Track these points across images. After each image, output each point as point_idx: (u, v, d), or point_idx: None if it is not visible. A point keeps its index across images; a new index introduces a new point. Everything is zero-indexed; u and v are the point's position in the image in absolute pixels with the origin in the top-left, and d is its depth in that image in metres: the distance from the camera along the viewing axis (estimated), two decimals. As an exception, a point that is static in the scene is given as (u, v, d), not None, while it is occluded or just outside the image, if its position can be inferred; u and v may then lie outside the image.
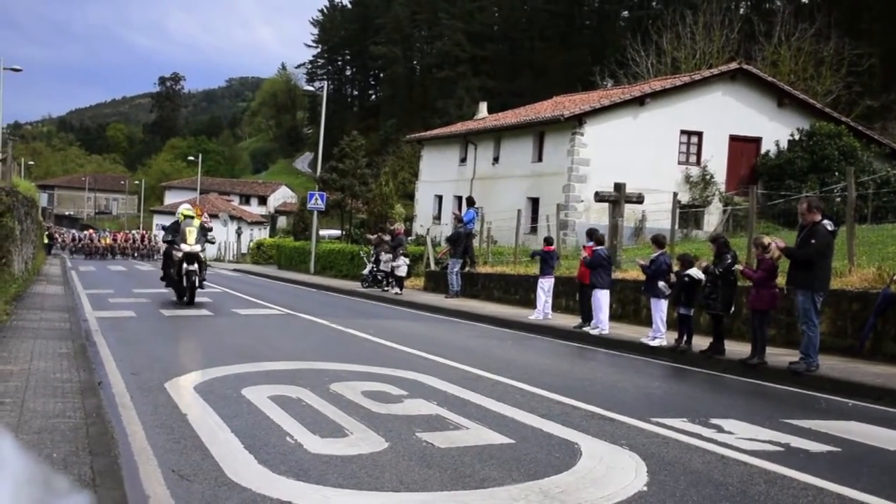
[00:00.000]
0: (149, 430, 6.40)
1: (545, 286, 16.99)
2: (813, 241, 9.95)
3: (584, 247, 16.06)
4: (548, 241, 18.10)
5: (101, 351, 10.68)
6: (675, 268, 12.77)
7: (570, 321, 15.82)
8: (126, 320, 14.92)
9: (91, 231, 64.87)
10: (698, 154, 31.08)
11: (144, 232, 63.82)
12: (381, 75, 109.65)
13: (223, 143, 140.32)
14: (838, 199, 22.14)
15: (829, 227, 10.21)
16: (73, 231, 70.19)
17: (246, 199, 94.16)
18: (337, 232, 50.07)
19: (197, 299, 18.12)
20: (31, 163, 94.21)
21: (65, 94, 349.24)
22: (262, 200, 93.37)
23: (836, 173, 27.37)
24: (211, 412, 7.08)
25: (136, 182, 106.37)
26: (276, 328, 14.61)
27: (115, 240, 60.35)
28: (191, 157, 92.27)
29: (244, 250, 58.90)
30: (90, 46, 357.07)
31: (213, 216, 42.45)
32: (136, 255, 56.94)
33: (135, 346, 11.49)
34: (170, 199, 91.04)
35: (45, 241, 48.11)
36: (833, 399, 9.14)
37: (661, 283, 12.82)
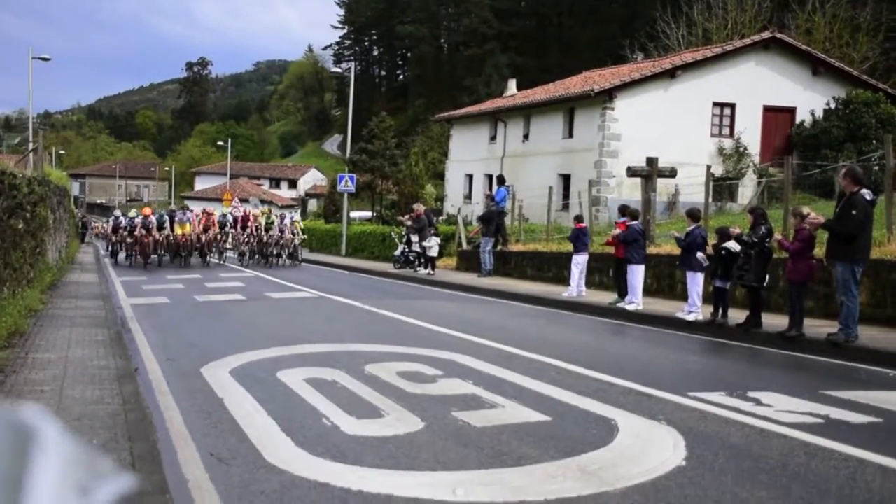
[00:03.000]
0: (186, 414, 6.46)
1: (579, 263, 16.89)
2: (854, 212, 9.75)
3: (616, 223, 15.94)
4: (578, 218, 17.97)
5: (136, 338, 10.81)
6: (712, 241, 12.61)
7: (605, 297, 15.72)
8: (160, 307, 15.09)
9: (146, 213, 28.60)
10: (731, 126, 30.62)
11: (248, 210, 32.58)
12: (409, 55, 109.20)
13: (252, 128, 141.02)
14: (876, 168, 21.69)
15: (868, 197, 10.00)
16: (113, 217, 33.34)
17: (276, 183, 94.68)
18: (368, 213, 50.17)
19: (230, 284, 19.83)
20: (62, 152, 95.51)
21: (93, 82, 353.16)
22: (293, 184, 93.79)
23: (874, 141, 26.80)
24: (247, 396, 7.13)
25: (167, 168, 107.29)
26: (310, 311, 14.68)
27: (204, 228, 28.21)
28: (220, 142, 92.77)
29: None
30: (118, 34, 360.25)
31: (244, 200, 41.42)
32: (252, 253, 29.34)
33: (170, 332, 11.61)
34: (200, 184, 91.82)
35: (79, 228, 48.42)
36: (873, 370, 8.99)
37: (699, 254, 12.67)
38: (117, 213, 32.12)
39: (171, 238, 26.93)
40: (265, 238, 28.24)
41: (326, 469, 5.08)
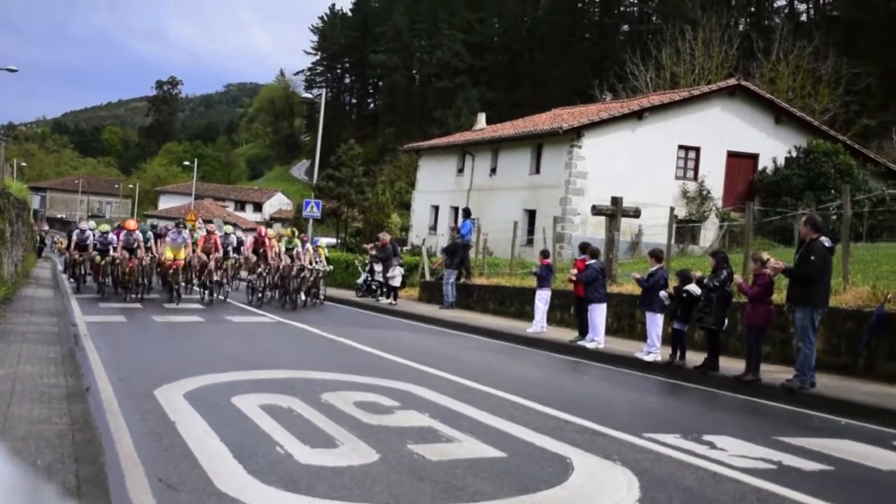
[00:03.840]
0: (136, 437, 6.32)
1: (544, 298, 16.95)
2: (813, 257, 9.93)
3: (576, 260, 16.01)
4: (545, 253, 18.07)
5: (89, 356, 10.59)
6: (673, 283, 12.73)
7: (565, 334, 15.77)
8: (116, 325, 14.84)
9: (130, 227, 22.02)
10: (696, 169, 31.11)
11: (263, 231, 24.17)
12: (380, 84, 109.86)
13: (219, 149, 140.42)
14: (834, 217, 22.13)
15: (827, 244, 10.22)
16: (77, 230, 24.89)
17: (241, 206, 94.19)
18: (332, 240, 50.03)
19: (190, 305, 18.88)
20: (24, 164, 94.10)
21: (60, 96, 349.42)
22: (258, 207, 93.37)
23: (833, 191, 27.39)
24: (200, 420, 7.01)
25: (131, 186, 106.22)
26: (268, 336, 14.52)
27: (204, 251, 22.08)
28: (186, 162, 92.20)
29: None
30: (88, 49, 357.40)
31: (208, 221, 40.41)
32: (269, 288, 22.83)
33: (124, 351, 11.41)
34: (164, 203, 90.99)
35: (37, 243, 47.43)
36: (826, 417, 9.09)
37: (661, 293, 12.77)
38: (84, 225, 23.76)
39: (157, 263, 21.03)
40: (290, 269, 21.19)
41: (278, 498, 5.00)
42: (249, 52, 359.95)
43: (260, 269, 21.91)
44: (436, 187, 39.85)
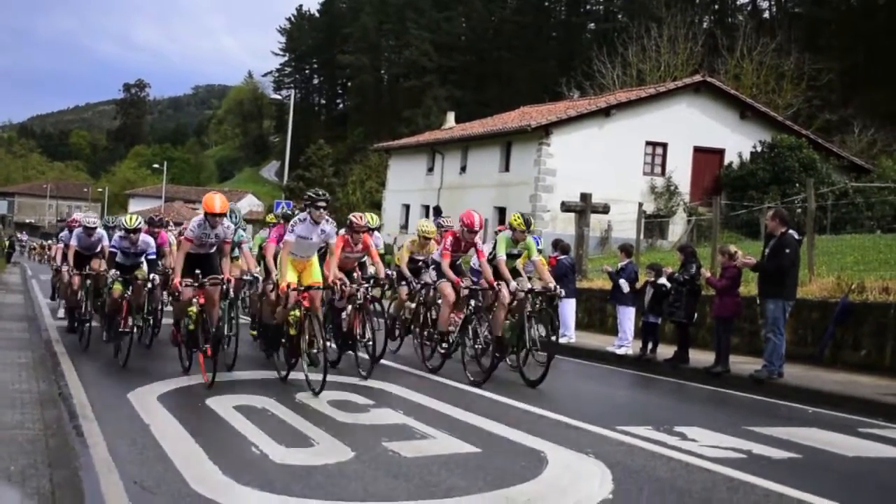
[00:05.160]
0: (111, 441, 6.29)
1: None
2: (787, 251, 10.10)
3: (549, 258, 16.12)
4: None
5: (61, 361, 10.50)
6: (644, 277, 12.86)
7: (537, 330, 15.83)
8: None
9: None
10: (663, 165, 31.43)
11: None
12: (349, 84, 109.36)
13: (189, 151, 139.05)
14: (799, 210, 22.47)
15: (796, 237, 10.44)
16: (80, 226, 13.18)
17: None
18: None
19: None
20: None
21: (26, 100, 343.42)
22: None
23: (797, 185, 27.80)
24: (175, 422, 7.00)
25: (100, 190, 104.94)
26: (240, 336, 14.43)
27: None
28: (156, 165, 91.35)
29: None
30: (54, 53, 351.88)
31: (178, 224, 40.05)
32: None
33: (97, 356, 11.30)
34: (133, 207, 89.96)
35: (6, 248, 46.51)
36: (794, 406, 9.26)
37: (622, 280, 12.86)
38: (88, 219, 13.49)
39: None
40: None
41: (254, 498, 5.01)
42: (217, 54, 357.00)
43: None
44: (406, 186, 39.87)
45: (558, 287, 10.30)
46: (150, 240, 11.62)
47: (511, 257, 10.67)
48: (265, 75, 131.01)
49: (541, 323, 10.13)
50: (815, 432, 7.75)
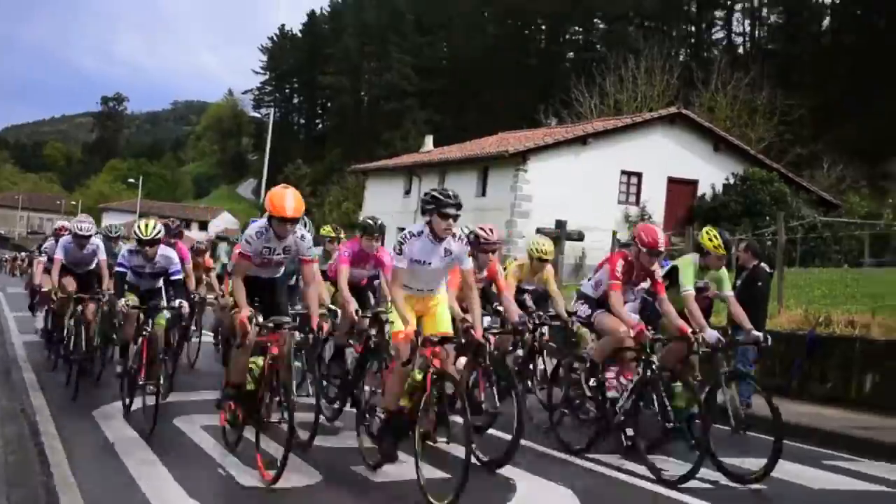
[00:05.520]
0: (73, 459, 6.19)
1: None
2: (760, 283, 10.23)
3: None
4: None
5: (25, 376, 10.33)
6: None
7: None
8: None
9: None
10: (637, 194, 31.70)
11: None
12: (329, 105, 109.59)
13: (165, 167, 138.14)
14: (769, 243, 22.73)
15: (768, 269, 10.60)
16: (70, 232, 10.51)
17: (187, 224, 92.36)
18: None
19: None
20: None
21: (1, 110, 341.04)
22: (203, 226, 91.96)
23: (768, 218, 28.11)
24: (141, 442, 6.91)
25: (73, 203, 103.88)
26: (212, 356, 14.32)
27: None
28: (131, 180, 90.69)
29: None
30: (31, 64, 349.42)
31: (177, 236, 38.80)
32: None
33: (62, 371, 11.14)
34: (107, 221, 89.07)
35: None
36: (761, 438, 9.31)
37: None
38: (81, 225, 9.87)
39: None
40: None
41: (218, 521, 4.96)
42: (197, 70, 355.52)
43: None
44: (383, 208, 39.73)
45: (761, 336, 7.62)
46: (173, 253, 8.68)
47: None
48: (245, 93, 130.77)
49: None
50: (781, 464, 7.77)
